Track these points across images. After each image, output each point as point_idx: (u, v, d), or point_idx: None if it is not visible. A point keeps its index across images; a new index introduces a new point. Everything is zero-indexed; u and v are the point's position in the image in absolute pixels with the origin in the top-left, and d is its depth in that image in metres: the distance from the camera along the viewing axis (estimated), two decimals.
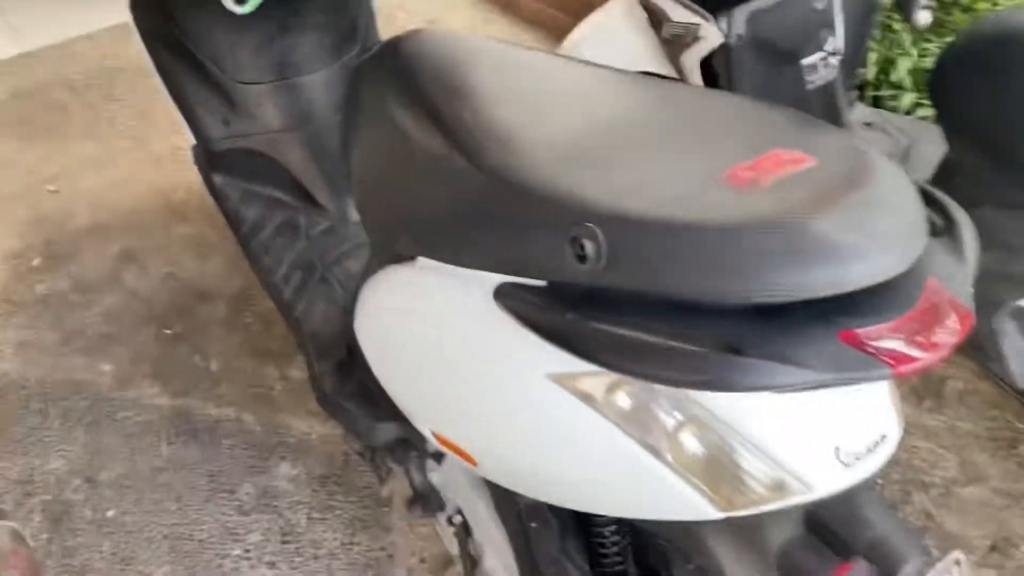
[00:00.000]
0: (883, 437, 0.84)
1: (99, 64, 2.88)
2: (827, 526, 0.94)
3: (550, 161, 0.87)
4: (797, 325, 0.72)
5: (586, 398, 0.85)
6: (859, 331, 0.71)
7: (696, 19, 1.53)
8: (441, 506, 1.38)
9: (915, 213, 0.76)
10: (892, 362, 0.71)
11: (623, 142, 0.90)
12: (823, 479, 0.82)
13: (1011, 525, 1.59)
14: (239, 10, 1.45)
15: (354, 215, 1.79)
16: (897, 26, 2.38)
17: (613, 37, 1.78)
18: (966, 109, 1.47)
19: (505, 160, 0.88)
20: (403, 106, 1.05)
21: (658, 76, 1.69)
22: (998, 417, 1.77)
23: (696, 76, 1.59)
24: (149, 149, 2.56)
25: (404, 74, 1.07)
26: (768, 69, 1.59)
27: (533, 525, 1.15)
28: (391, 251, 1.10)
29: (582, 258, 0.77)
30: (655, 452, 0.84)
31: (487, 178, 0.88)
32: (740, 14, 1.51)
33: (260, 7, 1.46)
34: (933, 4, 1.29)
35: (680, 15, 1.55)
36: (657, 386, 0.83)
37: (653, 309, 0.76)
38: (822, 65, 1.63)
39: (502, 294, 0.88)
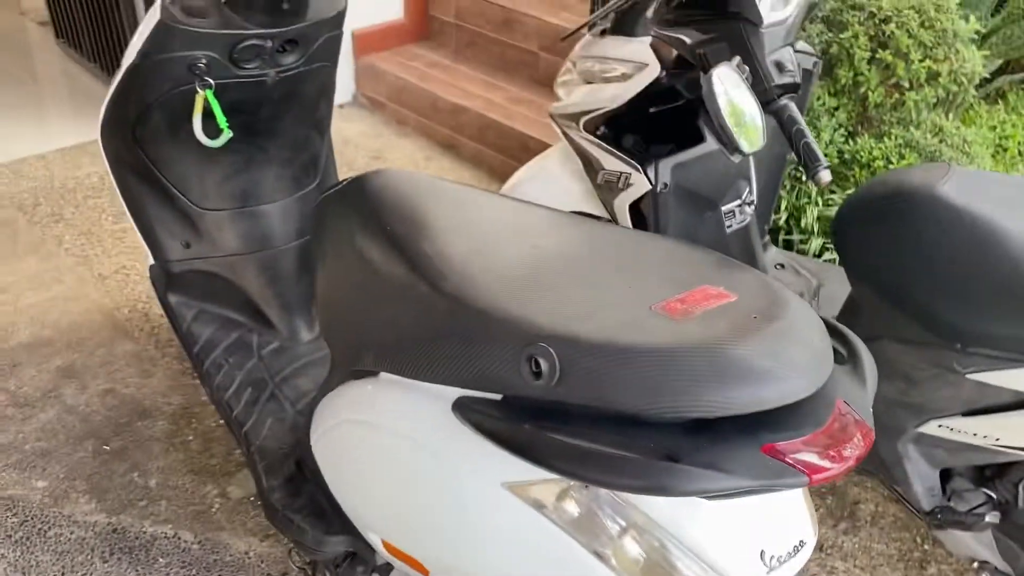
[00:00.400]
0: (802, 542, 0.94)
1: (49, 184, 2.93)
2: None
3: (506, 288, 0.98)
4: (725, 438, 0.83)
5: (538, 505, 0.94)
6: (778, 444, 0.83)
7: (626, 168, 1.70)
8: None
9: (822, 343, 0.90)
10: (807, 471, 0.82)
11: (569, 273, 1.02)
12: None
13: None
14: (211, 143, 1.57)
15: (304, 335, 1.87)
16: (805, 178, 2.62)
17: (551, 180, 1.95)
18: (865, 256, 1.62)
19: (465, 286, 0.99)
20: (368, 236, 1.16)
21: (592, 216, 1.85)
22: (907, 539, 1.89)
23: (626, 218, 1.75)
24: (95, 267, 2.59)
25: (368, 208, 1.19)
26: (691, 214, 1.76)
27: None
28: (353, 367, 1.18)
29: (537, 374, 0.87)
30: (601, 556, 0.92)
31: (449, 302, 0.98)
32: (666, 165, 1.69)
33: (229, 142, 1.58)
34: (829, 165, 1.47)
35: (612, 164, 1.72)
36: (602, 493, 0.92)
37: (600, 421, 0.86)
38: (739, 211, 1.81)
39: (461, 406, 0.97)
